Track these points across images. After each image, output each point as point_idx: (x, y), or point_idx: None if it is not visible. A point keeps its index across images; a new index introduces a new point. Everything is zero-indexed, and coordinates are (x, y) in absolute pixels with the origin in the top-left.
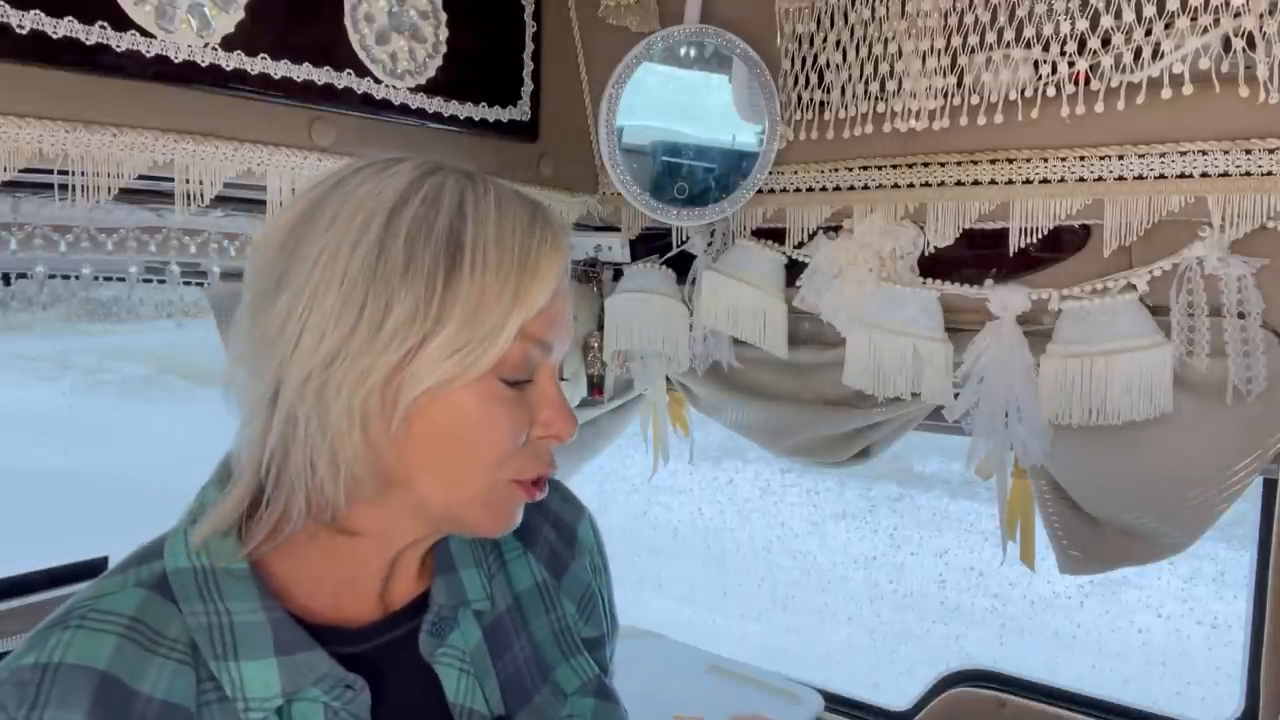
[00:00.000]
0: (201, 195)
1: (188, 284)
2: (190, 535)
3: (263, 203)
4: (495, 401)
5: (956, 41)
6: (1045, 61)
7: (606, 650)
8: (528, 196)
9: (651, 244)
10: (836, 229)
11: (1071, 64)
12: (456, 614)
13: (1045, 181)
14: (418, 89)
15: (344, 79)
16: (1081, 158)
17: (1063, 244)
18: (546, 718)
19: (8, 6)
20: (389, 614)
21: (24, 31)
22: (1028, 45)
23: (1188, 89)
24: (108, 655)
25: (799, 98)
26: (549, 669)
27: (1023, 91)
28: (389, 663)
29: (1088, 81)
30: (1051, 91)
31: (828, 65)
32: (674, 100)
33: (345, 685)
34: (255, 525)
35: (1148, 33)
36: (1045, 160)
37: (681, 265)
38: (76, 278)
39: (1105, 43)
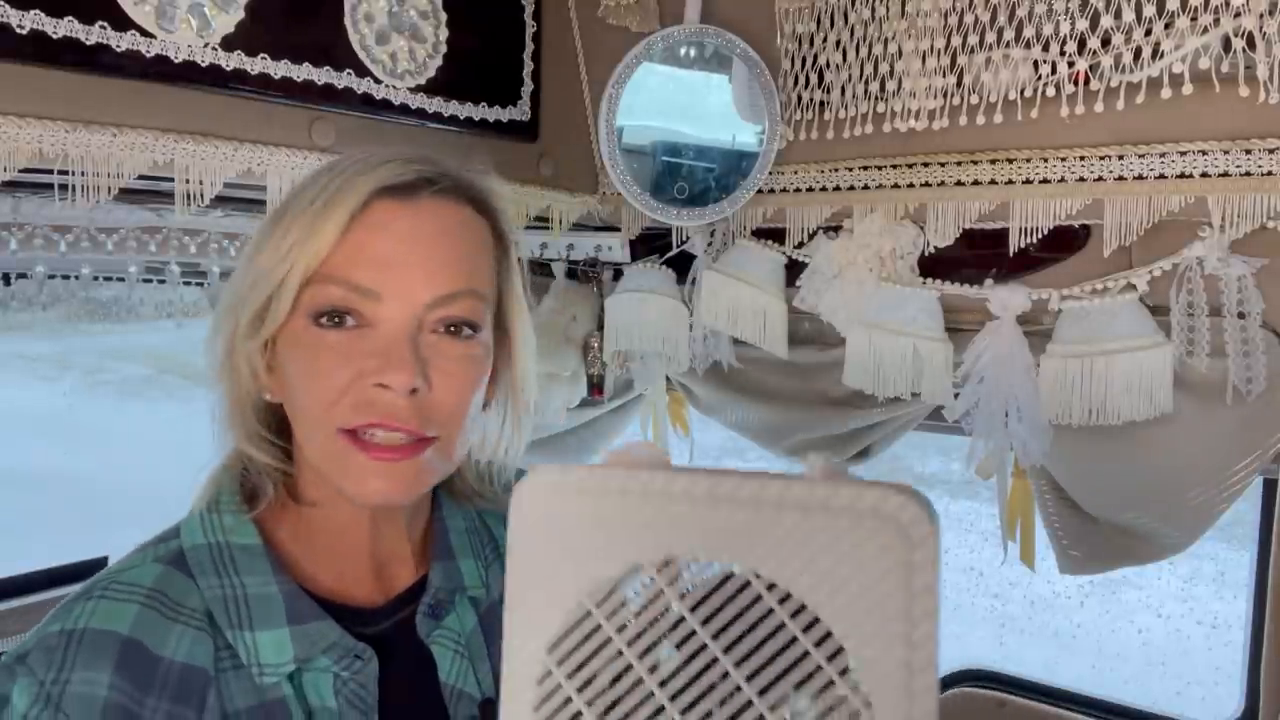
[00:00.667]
0: (201, 195)
1: (188, 284)
2: (202, 509)
3: (263, 203)
4: (311, 348)
5: (956, 41)
6: (1045, 61)
7: None
8: (415, 155)
9: (651, 244)
10: (836, 229)
11: (1071, 64)
12: (453, 599)
13: (1045, 181)
14: (418, 89)
15: (344, 79)
16: (1081, 158)
17: (1063, 244)
18: None
19: (8, 6)
20: (391, 599)
21: (24, 31)
22: (1028, 45)
23: (1188, 89)
24: (130, 621)
25: (799, 98)
26: None
27: (1022, 91)
28: (391, 643)
29: (1088, 81)
30: (1051, 91)
31: (828, 65)
32: (674, 100)
33: (354, 655)
34: (258, 503)
35: (1148, 33)
36: (1045, 160)
37: (681, 265)
38: (76, 278)
39: (1105, 43)
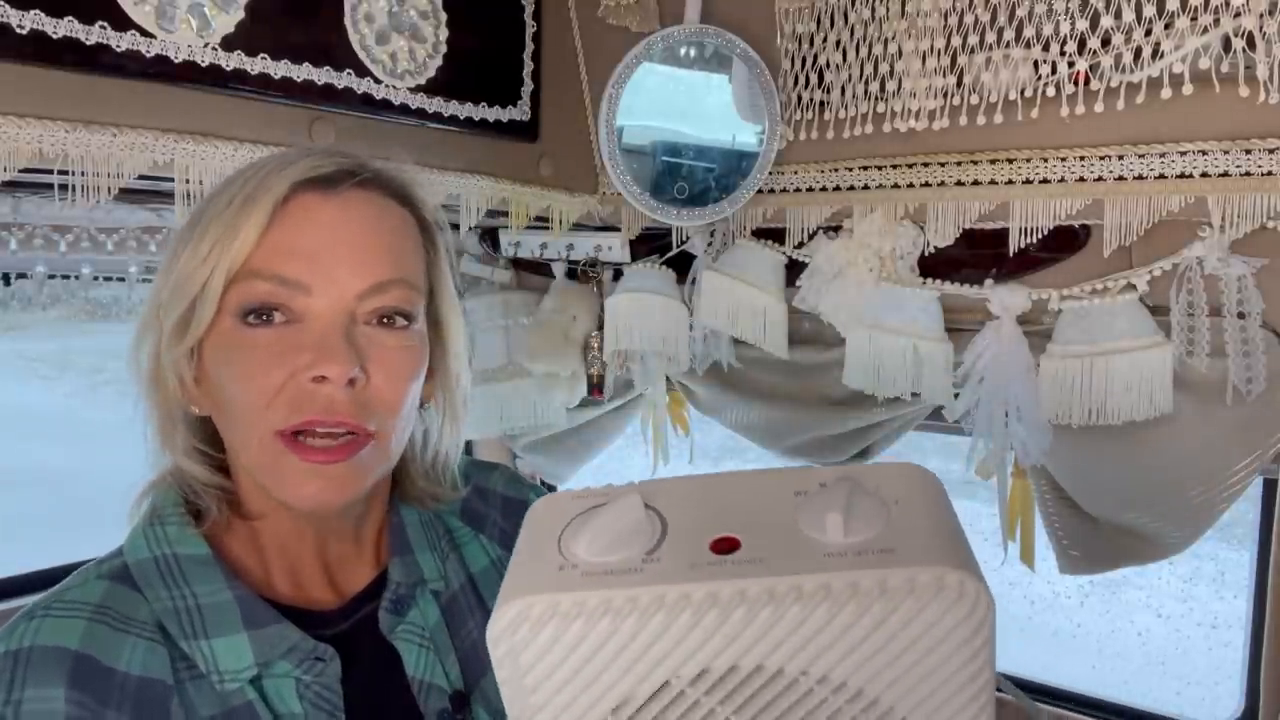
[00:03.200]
0: (201, 195)
1: None
2: (143, 523)
3: None
4: (241, 348)
5: (956, 41)
6: (1045, 61)
7: None
8: (330, 150)
9: (651, 244)
10: (836, 229)
11: (1071, 64)
12: (414, 593)
13: (1045, 181)
14: (418, 89)
15: (344, 79)
16: (1081, 158)
17: (1063, 244)
18: None
19: (8, 6)
20: (348, 601)
21: (24, 31)
22: (1028, 45)
23: (1188, 89)
24: (79, 636)
25: (799, 98)
26: None
27: (1023, 91)
28: (353, 643)
29: (1088, 81)
30: (1051, 91)
31: (828, 65)
32: (674, 100)
33: (315, 657)
34: (202, 521)
35: (1148, 33)
36: (1045, 160)
37: (681, 265)
38: (76, 278)
39: (1105, 43)
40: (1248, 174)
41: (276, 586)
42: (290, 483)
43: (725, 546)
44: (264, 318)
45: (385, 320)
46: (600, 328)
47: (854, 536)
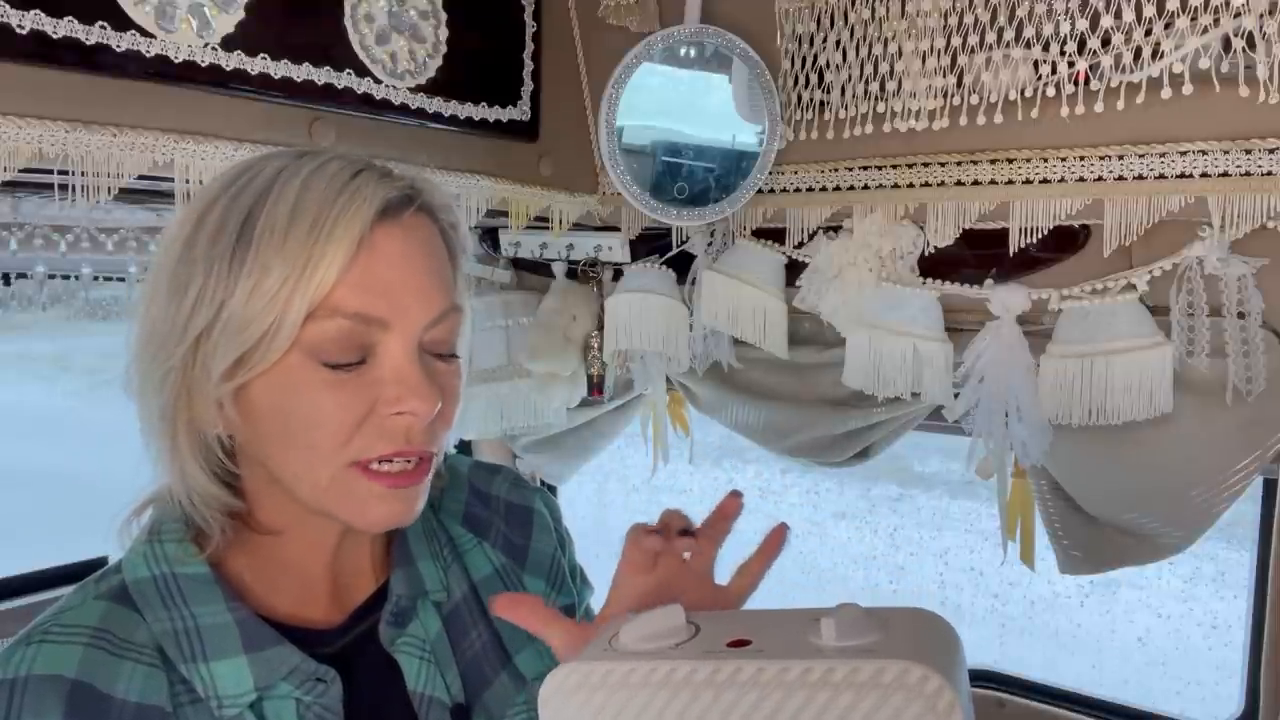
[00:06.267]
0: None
1: None
2: (142, 540)
3: None
4: (314, 386)
5: (956, 41)
6: (1045, 61)
7: (577, 615)
8: (367, 161)
9: (651, 244)
10: (836, 229)
11: (1071, 64)
12: (415, 604)
13: (1045, 181)
14: (418, 89)
15: (344, 79)
16: (1081, 158)
17: (1063, 244)
18: (503, 704)
19: (8, 6)
20: (349, 614)
21: (24, 31)
22: (1028, 45)
23: (1188, 89)
24: (76, 663)
25: (799, 98)
26: (510, 655)
27: (1023, 91)
28: (354, 658)
29: (1088, 81)
30: (1051, 91)
31: (828, 65)
32: (674, 100)
33: (316, 679)
34: (206, 540)
35: (1148, 33)
36: (1045, 160)
37: (681, 265)
38: (76, 278)
39: (1105, 43)
40: (1248, 174)
41: (276, 604)
42: (363, 507)
43: (738, 644)
44: (345, 361)
45: (440, 353)
46: (600, 328)
47: (845, 641)
